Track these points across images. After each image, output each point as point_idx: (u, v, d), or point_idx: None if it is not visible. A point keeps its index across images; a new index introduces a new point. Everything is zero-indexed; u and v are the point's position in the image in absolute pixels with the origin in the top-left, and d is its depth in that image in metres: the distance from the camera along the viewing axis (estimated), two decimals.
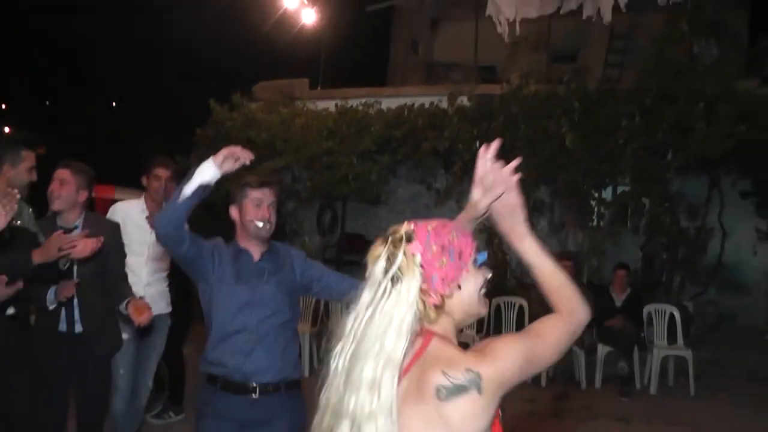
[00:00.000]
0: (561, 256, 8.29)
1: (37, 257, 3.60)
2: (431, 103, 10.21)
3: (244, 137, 10.41)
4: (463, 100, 10.01)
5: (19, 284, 3.39)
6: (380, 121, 10.27)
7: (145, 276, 5.08)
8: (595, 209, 8.83)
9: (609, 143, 8.36)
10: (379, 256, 1.80)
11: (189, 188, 2.95)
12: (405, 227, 1.84)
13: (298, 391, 3.31)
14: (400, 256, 1.77)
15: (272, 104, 11.23)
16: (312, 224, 12.32)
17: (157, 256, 5.14)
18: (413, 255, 1.77)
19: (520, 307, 8.48)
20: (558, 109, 8.64)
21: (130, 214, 5.06)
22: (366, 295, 1.79)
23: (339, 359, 1.78)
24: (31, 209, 4.01)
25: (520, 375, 1.76)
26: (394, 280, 1.76)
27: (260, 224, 3.21)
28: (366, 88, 11.89)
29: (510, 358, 1.75)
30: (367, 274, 1.82)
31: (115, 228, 4.42)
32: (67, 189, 4.12)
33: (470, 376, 1.69)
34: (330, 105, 11.18)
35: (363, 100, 11.00)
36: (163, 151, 10.95)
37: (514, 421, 6.71)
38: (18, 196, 3.01)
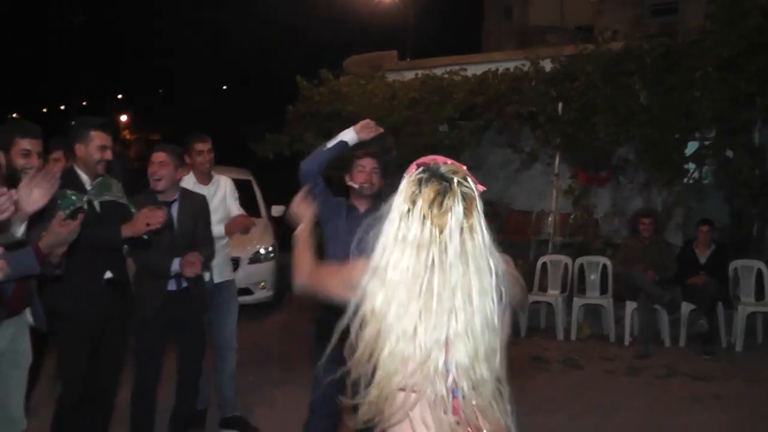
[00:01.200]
0: (640, 213, 8.19)
1: (126, 231, 4.03)
2: (515, 68, 10.17)
3: (331, 111, 10.76)
4: (546, 63, 9.93)
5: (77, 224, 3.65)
6: (464, 88, 10.33)
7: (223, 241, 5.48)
8: (679, 165, 8.62)
9: (686, 98, 8.12)
10: (451, 194, 1.86)
11: (332, 143, 3.89)
12: (459, 167, 1.95)
13: None
14: (477, 195, 1.90)
15: (361, 77, 11.45)
16: None
17: (218, 223, 5.49)
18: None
19: (604, 267, 8.47)
20: (632, 66, 8.45)
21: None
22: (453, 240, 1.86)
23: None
24: (121, 183, 4.41)
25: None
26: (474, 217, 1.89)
27: (365, 185, 4.04)
28: (453, 57, 11.93)
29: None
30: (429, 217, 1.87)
31: (203, 200, 4.88)
32: (166, 169, 4.54)
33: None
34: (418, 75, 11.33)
35: (449, 68, 11.09)
36: (259, 130, 11.50)
37: (589, 379, 6.79)
38: (58, 176, 3.30)
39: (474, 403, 1.90)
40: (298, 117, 11.39)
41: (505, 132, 10.35)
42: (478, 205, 1.89)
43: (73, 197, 4.03)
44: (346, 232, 3.91)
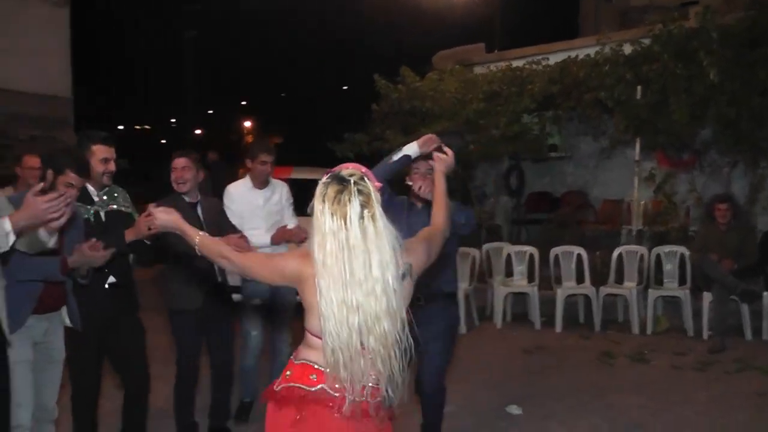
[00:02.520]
0: (715, 199, 7.75)
1: (130, 236, 4.26)
2: (595, 53, 9.88)
3: (411, 108, 10.86)
4: (627, 47, 9.57)
5: (107, 253, 3.94)
6: (542, 77, 10.15)
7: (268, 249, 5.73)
8: (761, 145, 8.08)
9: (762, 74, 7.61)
10: (347, 192, 2.41)
11: (396, 156, 4.22)
12: (357, 170, 2.49)
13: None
14: (372, 190, 2.44)
15: (445, 72, 11.46)
16: (499, 186, 12.42)
17: (270, 228, 5.74)
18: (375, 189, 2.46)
19: (682, 256, 8.09)
20: (700, 43, 8.00)
21: (242, 191, 5.69)
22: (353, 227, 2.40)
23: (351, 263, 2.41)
24: (126, 192, 4.66)
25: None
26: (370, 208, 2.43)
27: (417, 187, 4.37)
28: (536, 46, 11.72)
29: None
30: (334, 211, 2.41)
31: (220, 202, 5.24)
32: (190, 173, 4.87)
33: (405, 265, 2.55)
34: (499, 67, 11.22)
35: (531, 58, 10.93)
36: (336, 130, 11.72)
37: (651, 375, 6.54)
38: (70, 197, 3.56)
39: (377, 352, 2.43)
40: (382, 116, 11.58)
41: (585, 120, 10.09)
42: (375, 197, 2.43)
43: (81, 210, 4.26)
44: (407, 225, 4.14)
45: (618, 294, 8.26)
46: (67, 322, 4.07)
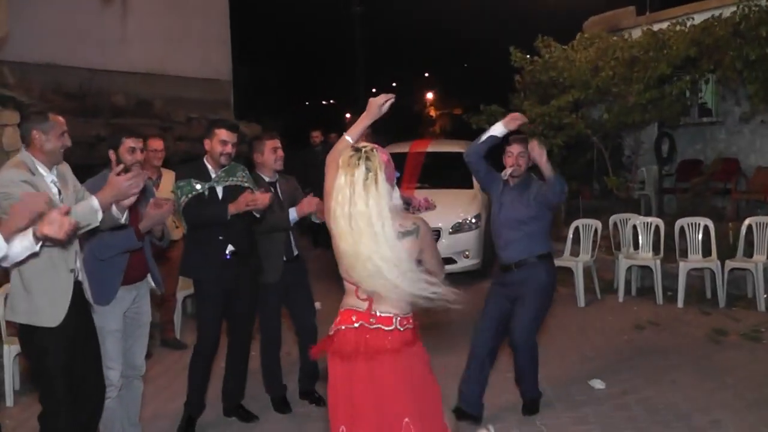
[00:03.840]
0: None
1: (231, 209, 4.83)
2: (741, 9, 9.25)
3: (548, 79, 10.75)
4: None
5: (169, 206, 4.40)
6: (683, 40, 9.67)
7: None
8: None
9: None
10: (359, 159, 2.96)
11: (484, 136, 4.91)
12: (370, 145, 3.04)
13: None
14: (378, 160, 2.97)
15: (584, 40, 11.19)
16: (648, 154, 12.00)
17: None
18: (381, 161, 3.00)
19: (705, 227, 7.93)
20: None
21: None
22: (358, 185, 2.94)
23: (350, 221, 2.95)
24: (246, 169, 5.20)
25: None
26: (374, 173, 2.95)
27: (509, 170, 4.98)
28: (686, 5, 11.13)
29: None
30: (346, 172, 2.96)
31: (294, 180, 5.65)
32: (282, 153, 5.39)
33: (413, 226, 3.10)
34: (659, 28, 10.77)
35: (675, 19, 10.41)
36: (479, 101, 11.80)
37: (760, 354, 6.27)
38: (144, 175, 4.07)
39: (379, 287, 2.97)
40: (524, 87, 11.55)
41: (725, 83, 9.52)
42: (379, 165, 2.96)
43: (197, 185, 4.89)
44: (499, 200, 5.11)
45: (745, 269, 7.85)
46: (152, 284, 4.71)
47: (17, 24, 10.02)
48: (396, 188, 3.14)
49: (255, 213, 4.94)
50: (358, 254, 2.93)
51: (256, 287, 5.28)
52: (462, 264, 9.43)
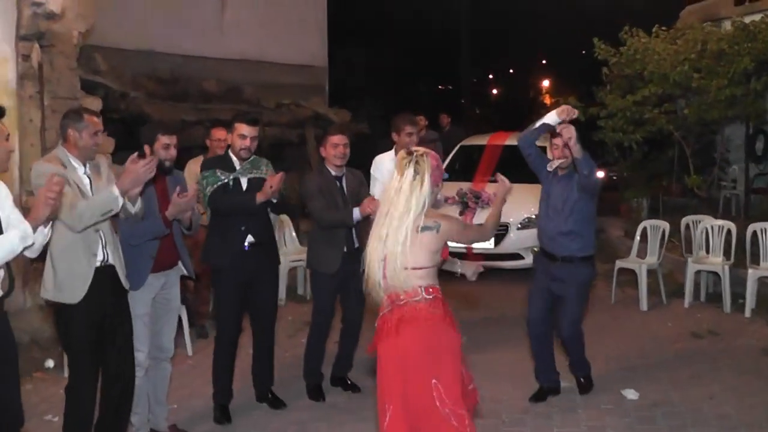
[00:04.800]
0: None
1: (260, 197, 5.01)
2: None
3: (632, 72, 10.39)
4: None
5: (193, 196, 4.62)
6: None
7: None
8: None
9: None
10: (410, 162, 3.43)
11: (537, 124, 5.12)
12: (422, 150, 3.52)
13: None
14: (426, 164, 3.43)
15: (685, 29, 10.71)
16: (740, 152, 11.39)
17: None
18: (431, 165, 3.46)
19: None
20: None
21: (387, 163, 6.05)
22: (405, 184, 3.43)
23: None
24: (270, 164, 5.38)
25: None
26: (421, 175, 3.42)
27: (557, 162, 5.21)
28: None
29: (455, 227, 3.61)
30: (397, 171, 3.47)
31: (361, 174, 5.80)
32: (347, 150, 5.49)
33: (434, 224, 3.46)
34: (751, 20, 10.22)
35: None
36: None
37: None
38: (152, 165, 4.10)
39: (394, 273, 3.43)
40: (610, 80, 11.19)
41: None
42: (427, 169, 3.41)
43: (221, 176, 5.09)
44: (548, 188, 5.36)
45: None
46: (184, 271, 4.95)
47: (114, 12, 10.60)
48: (440, 187, 3.56)
49: (273, 199, 5.06)
50: (380, 237, 3.44)
51: (276, 277, 5.54)
52: (530, 260, 9.24)
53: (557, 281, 5.31)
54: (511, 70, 40.78)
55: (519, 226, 9.28)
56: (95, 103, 7.92)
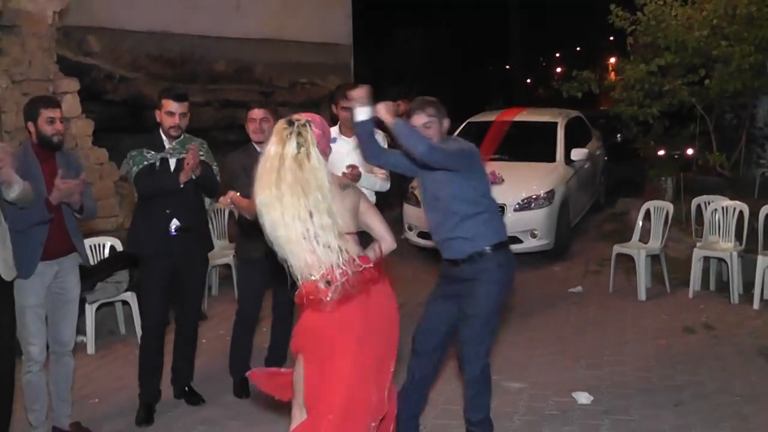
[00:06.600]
0: None
1: (183, 177, 4.66)
2: None
3: (651, 40, 9.56)
4: None
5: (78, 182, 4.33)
6: None
7: None
8: None
9: None
10: (290, 135, 3.06)
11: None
12: (304, 118, 3.15)
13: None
14: (309, 135, 3.08)
15: None
16: None
17: None
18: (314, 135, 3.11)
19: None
20: None
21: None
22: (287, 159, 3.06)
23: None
24: (205, 143, 5.04)
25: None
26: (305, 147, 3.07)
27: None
28: None
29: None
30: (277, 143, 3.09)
31: None
32: (268, 124, 4.98)
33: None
34: None
35: None
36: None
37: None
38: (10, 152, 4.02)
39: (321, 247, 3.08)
40: (634, 50, 10.35)
41: None
42: (311, 139, 3.07)
43: (148, 155, 4.76)
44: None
45: None
46: (81, 260, 4.63)
47: None
48: (327, 154, 3.24)
49: (193, 175, 4.69)
50: (286, 225, 3.06)
51: (205, 265, 5.23)
52: (528, 244, 8.64)
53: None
54: (578, 48, 39.81)
55: (516, 207, 8.61)
56: (72, 84, 7.74)
